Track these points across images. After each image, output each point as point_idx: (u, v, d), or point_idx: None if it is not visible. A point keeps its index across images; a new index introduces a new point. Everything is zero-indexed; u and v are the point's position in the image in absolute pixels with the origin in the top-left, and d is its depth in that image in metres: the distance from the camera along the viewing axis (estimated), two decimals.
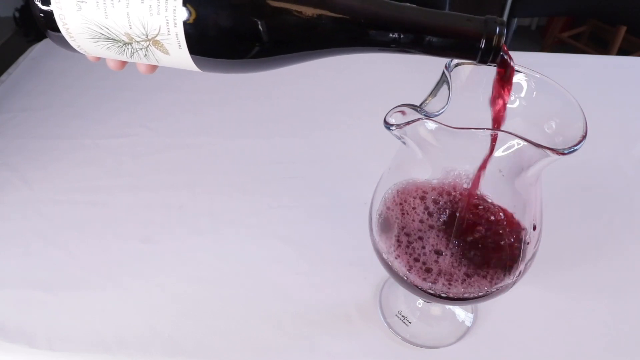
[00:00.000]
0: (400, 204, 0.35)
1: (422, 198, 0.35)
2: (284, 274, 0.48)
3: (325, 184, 0.57)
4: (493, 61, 0.28)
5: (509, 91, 0.31)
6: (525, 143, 0.27)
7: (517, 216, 0.34)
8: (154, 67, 0.33)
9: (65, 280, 0.47)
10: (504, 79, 0.30)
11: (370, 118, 0.47)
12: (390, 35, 0.28)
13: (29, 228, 0.52)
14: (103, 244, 0.50)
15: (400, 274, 0.34)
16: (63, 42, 0.31)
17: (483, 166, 0.31)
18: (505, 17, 1.98)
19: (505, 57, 0.29)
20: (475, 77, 0.33)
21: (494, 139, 0.29)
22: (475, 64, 0.29)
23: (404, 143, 0.31)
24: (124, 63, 0.33)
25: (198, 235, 0.52)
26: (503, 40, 0.27)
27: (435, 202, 0.34)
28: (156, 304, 0.45)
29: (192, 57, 0.29)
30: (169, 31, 0.28)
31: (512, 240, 0.34)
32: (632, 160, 0.61)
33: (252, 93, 0.73)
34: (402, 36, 0.28)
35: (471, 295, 0.34)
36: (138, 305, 0.45)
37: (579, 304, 0.45)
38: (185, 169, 0.60)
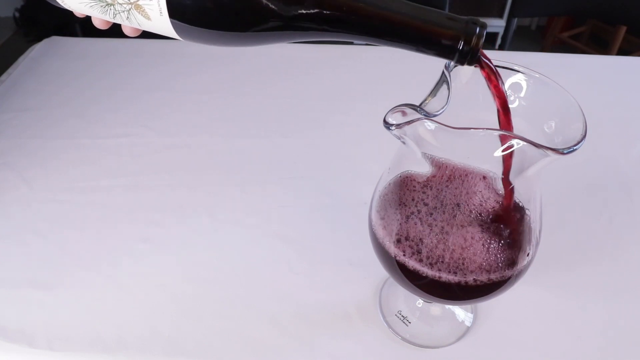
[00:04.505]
0: (401, 199, 0.35)
1: (424, 192, 0.35)
2: (284, 274, 0.48)
3: (326, 184, 0.57)
4: (470, 64, 0.27)
5: (500, 93, 0.30)
6: (525, 143, 0.27)
7: (517, 216, 0.34)
8: (138, 30, 0.33)
9: (65, 279, 0.47)
10: (490, 81, 0.30)
11: (370, 118, 0.47)
12: (368, 26, 0.27)
13: (29, 227, 0.52)
14: (103, 244, 0.50)
15: (400, 269, 0.34)
16: None
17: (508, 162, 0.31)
18: (505, 17, 1.99)
19: (485, 60, 0.29)
20: (475, 77, 0.33)
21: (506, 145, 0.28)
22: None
23: (404, 143, 0.31)
24: (109, 22, 0.34)
25: (198, 235, 0.51)
26: (482, 42, 0.26)
27: (437, 196, 0.34)
28: (156, 304, 0.45)
29: (173, 25, 0.29)
30: None
31: (512, 239, 0.34)
32: (632, 160, 0.61)
33: (252, 93, 0.73)
34: (380, 29, 0.27)
35: (466, 284, 0.33)
36: (138, 305, 0.45)
37: (579, 304, 0.45)
38: (185, 168, 0.60)
